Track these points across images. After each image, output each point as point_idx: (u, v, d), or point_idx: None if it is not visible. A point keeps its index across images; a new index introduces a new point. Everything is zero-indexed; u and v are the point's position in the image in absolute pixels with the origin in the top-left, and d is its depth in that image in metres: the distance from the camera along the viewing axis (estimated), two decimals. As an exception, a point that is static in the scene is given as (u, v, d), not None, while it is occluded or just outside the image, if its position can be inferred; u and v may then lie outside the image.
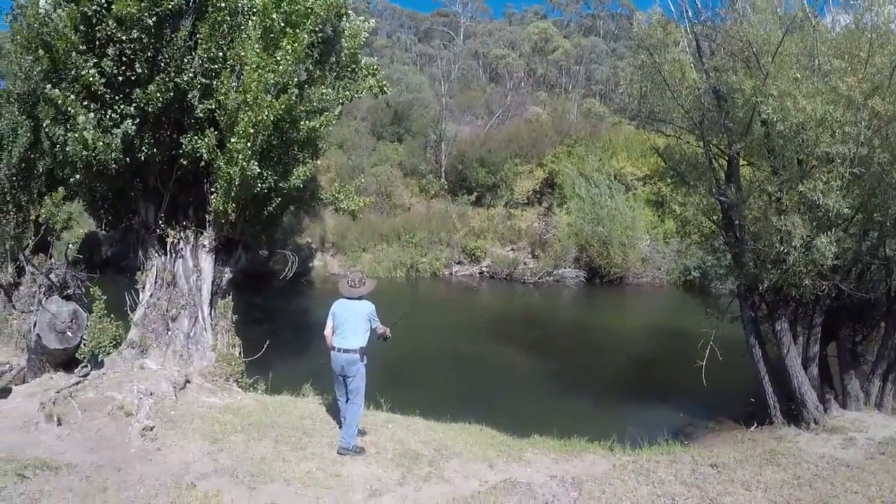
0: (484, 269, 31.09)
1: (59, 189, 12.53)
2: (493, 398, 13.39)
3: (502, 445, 8.97)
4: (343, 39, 12.74)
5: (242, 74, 10.11)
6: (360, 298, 8.16)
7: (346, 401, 8.23)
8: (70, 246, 13.97)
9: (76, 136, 9.83)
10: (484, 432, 9.61)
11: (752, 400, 11.34)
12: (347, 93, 13.01)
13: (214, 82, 10.29)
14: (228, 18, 10.55)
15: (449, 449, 8.48)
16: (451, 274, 31.17)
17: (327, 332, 8.26)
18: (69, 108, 9.84)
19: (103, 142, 9.84)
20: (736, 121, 10.09)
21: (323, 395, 10.80)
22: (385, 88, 13.97)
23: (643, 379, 15.74)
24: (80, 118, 9.70)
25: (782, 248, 9.44)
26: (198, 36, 10.48)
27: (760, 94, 9.07)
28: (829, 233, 8.93)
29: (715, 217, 11.24)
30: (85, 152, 9.88)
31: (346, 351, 7.95)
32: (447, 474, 7.71)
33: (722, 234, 11.18)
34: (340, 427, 8.39)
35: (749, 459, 8.22)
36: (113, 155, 10.00)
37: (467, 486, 7.41)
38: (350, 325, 8.01)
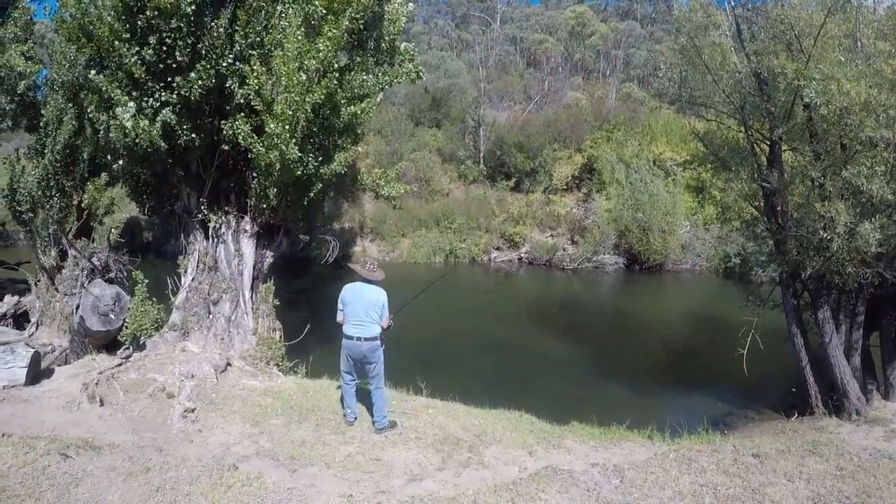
0: (523, 255, 30.98)
1: (102, 175, 12.76)
2: (531, 384, 13.40)
3: (542, 432, 8.95)
4: (384, 24, 12.76)
5: (281, 60, 10.18)
6: (375, 284, 8.18)
7: (354, 383, 8.48)
8: (112, 230, 14.20)
9: (118, 122, 10.03)
10: (523, 418, 9.59)
11: (794, 390, 11.18)
12: (387, 78, 13.06)
13: (253, 68, 10.39)
14: (266, 5, 10.64)
15: (489, 435, 8.51)
16: (489, 260, 31.11)
17: (339, 318, 8.29)
18: (112, 95, 10.04)
19: (144, 128, 10.01)
20: (778, 105, 9.93)
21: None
22: (420, 73, 13.99)
23: (682, 367, 15.62)
24: (119, 109, 9.90)
25: (825, 235, 9.29)
26: (237, 23, 10.60)
27: (803, 77, 8.90)
28: (872, 219, 8.77)
29: (756, 203, 11.08)
30: (126, 139, 10.08)
31: (368, 339, 8.05)
32: (487, 460, 7.75)
33: (764, 220, 11.01)
34: (343, 405, 8.69)
35: (791, 450, 8.12)
36: (154, 141, 10.18)
37: (507, 473, 7.42)
38: (366, 313, 8.03)
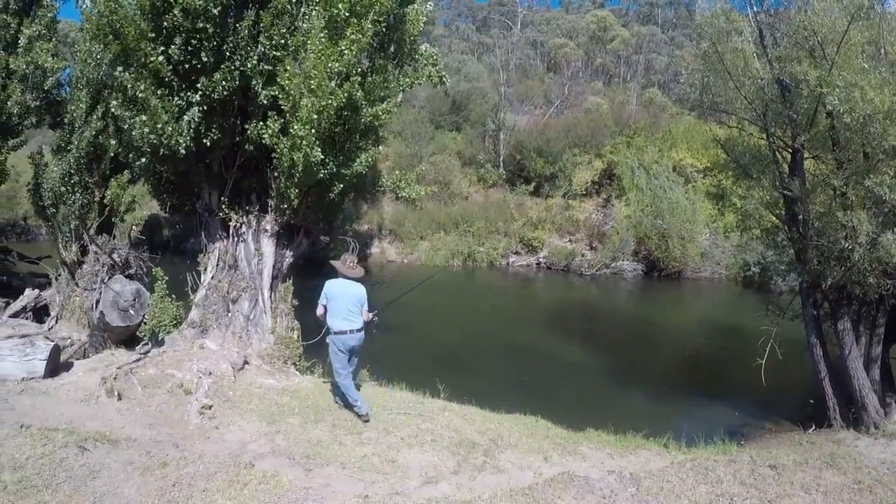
0: (541, 259, 30.93)
1: (124, 172, 12.90)
2: (547, 389, 13.38)
3: (557, 438, 8.92)
4: (406, 26, 12.81)
5: (306, 62, 10.23)
6: (356, 280, 8.66)
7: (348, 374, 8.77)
8: (133, 227, 14.33)
9: (144, 120, 10.13)
10: (539, 424, 9.55)
11: (811, 401, 11.08)
12: (408, 80, 13.10)
13: (278, 70, 10.44)
14: (291, 7, 10.70)
15: (504, 439, 8.49)
16: (508, 264, 31.11)
17: (320, 311, 8.72)
18: (138, 94, 10.14)
19: (171, 127, 10.10)
20: (800, 112, 9.87)
21: (380, 380, 10.93)
22: (444, 79, 14.02)
23: (699, 376, 15.52)
24: (145, 115, 10.01)
25: (847, 245, 9.20)
26: (261, 25, 10.66)
27: (826, 84, 8.83)
28: (895, 229, 8.62)
29: (778, 211, 10.99)
30: (153, 137, 10.17)
31: (355, 331, 8.56)
32: (502, 465, 7.73)
33: (785, 228, 10.94)
34: (351, 405, 8.77)
35: (808, 462, 8.05)
36: (180, 140, 10.27)
37: (522, 478, 7.39)
38: (352, 306, 8.52)
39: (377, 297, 11.00)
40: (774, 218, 11.20)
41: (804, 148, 10.24)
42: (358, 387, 9.14)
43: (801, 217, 10.28)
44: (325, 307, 8.63)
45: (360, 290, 8.61)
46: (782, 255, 11.79)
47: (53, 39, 13.00)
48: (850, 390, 10.08)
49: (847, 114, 8.78)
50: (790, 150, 10.48)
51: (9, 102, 12.20)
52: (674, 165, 31.16)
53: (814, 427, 10.36)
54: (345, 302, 8.49)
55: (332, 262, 9.16)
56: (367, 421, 8.51)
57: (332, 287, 8.66)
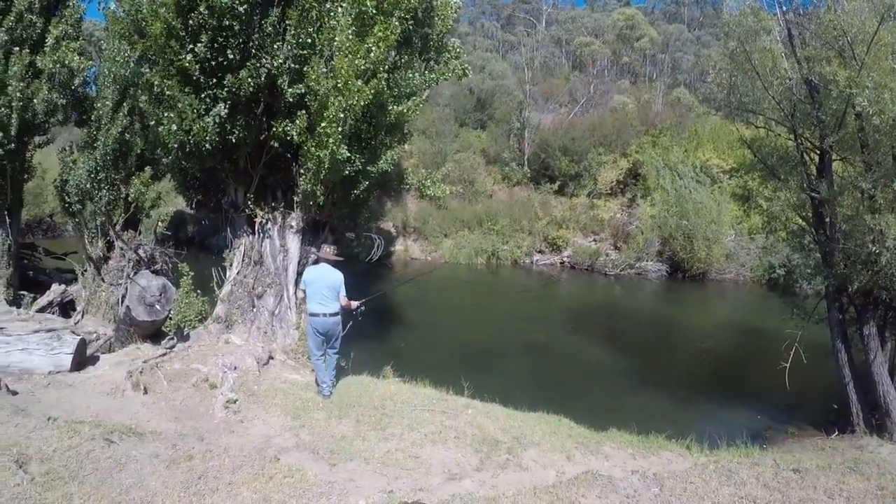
0: (565, 258, 30.77)
1: (146, 168, 13.04)
2: (570, 388, 13.35)
3: (580, 437, 8.91)
4: (434, 22, 12.82)
5: (333, 60, 10.27)
6: (334, 265, 9.25)
7: (324, 359, 9.37)
8: (159, 223, 14.49)
9: (171, 117, 10.24)
10: (562, 423, 9.52)
11: (835, 406, 10.95)
12: (433, 76, 13.10)
13: (304, 68, 10.49)
14: (317, 5, 10.75)
15: (527, 437, 8.49)
16: (531, 262, 31.00)
17: (300, 296, 9.56)
18: (166, 91, 10.25)
19: (197, 124, 10.21)
20: (829, 113, 9.76)
21: (404, 376, 10.95)
22: (467, 71, 14.03)
23: (722, 378, 15.40)
24: (172, 112, 10.12)
25: (874, 249, 9.09)
26: (287, 22, 10.73)
27: (855, 85, 8.73)
28: (924, 234, 8.52)
29: (804, 213, 10.87)
30: (180, 134, 10.28)
31: (331, 315, 9.13)
32: (525, 463, 7.74)
33: (811, 231, 10.81)
34: (318, 384, 9.43)
35: (832, 467, 7.97)
36: (206, 137, 10.36)
37: (545, 476, 7.40)
38: (328, 291, 9.08)
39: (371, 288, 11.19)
40: (801, 220, 11.07)
41: (832, 149, 10.12)
42: (330, 375, 9.49)
43: (828, 220, 10.18)
44: (304, 292, 9.28)
45: (336, 277, 9.14)
46: (808, 258, 11.64)
47: (80, 38, 13.12)
48: (875, 396, 9.96)
49: (876, 115, 8.68)
50: (818, 152, 10.36)
51: (35, 100, 12.34)
52: (699, 165, 30.85)
53: (836, 432, 10.26)
54: (320, 287, 9.06)
55: (314, 252, 10.05)
56: (327, 396, 9.18)
57: (309, 273, 9.32)
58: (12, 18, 12.28)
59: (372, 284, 21.22)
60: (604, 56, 57.09)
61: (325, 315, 9.07)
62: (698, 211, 27.83)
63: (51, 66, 12.23)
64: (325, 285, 9.07)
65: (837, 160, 10.53)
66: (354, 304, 9.53)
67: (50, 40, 12.46)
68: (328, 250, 9.51)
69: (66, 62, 12.23)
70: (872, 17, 9.11)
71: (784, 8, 10.77)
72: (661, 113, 37.91)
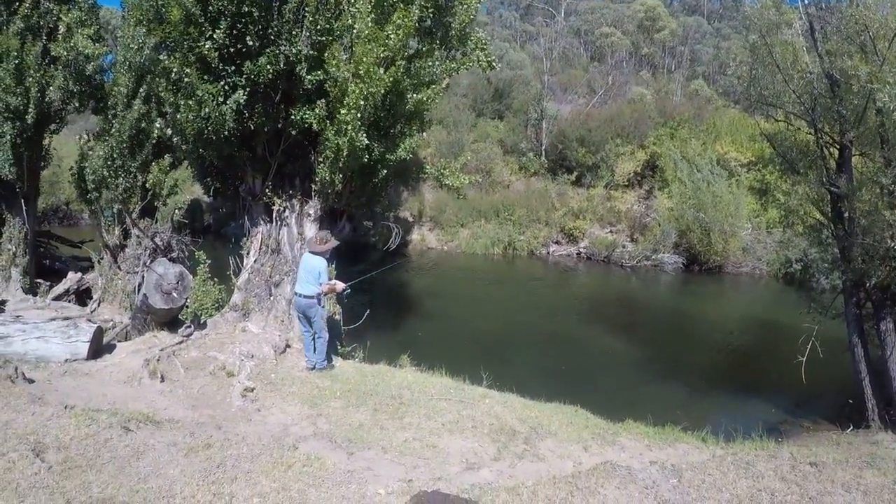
0: (581, 249, 30.67)
1: (166, 156, 13.10)
2: (586, 379, 13.39)
3: (597, 428, 8.94)
4: (456, 11, 12.78)
5: (353, 47, 10.29)
6: (320, 255, 9.80)
7: (312, 335, 10.03)
8: (176, 211, 14.54)
9: (189, 104, 10.30)
10: (578, 413, 9.57)
11: (850, 401, 10.92)
12: (454, 65, 13.07)
13: (324, 55, 10.52)
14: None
15: (544, 428, 8.53)
16: (548, 253, 30.91)
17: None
18: (184, 79, 10.31)
19: (215, 112, 10.27)
20: (850, 108, 9.70)
21: (420, 365, 11.04)
22: (493, 64, 14.02)
23: (738, 371, 15.36)
24: (190, 99, 10.18)
25: (893, 244, 9.06)
26: (306, 9, 10.72)
27: (876, 80, 8.68)
28: (942, 230, 8.48)
29: (823, 208, 10.82)
30: (198, 121, 10.34)
31: (304, 296, 9.79)
32: (542, 453, 7.77)
33: (830, 226, 10.76)
34: (307, 353, 10.15)
35: (849, 461, 7.94)
36: (225, 124, 10.42)
37: (563, 466, 7.44)
38: (306, 276, 9.80)
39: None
40: (819, 214, 11.03)
41: (852, 144, 10.08)
42: (325, 352, 10.22)
43: (846, 214, 10.14)
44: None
45: (317, 263, 9.73)
46: (826, 253, 11.60)
47: (94, 25, 13.08)
48: (890, 392, 9.95)
49: (897, 111, 8.63)
50: (838, 147, 10.32)
51: (51, 88, 12.38)
52: (717, 158, 30.62)
53: (851, 427, 10.23)
54: (302, 271, 9.90)
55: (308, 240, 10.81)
56: (310, 369, 9.93)
57: (302, 258, 10.20)
58: (28, 5, 12.27)
59: (391, 273, 21.21)
60: (623, 47, 56.68)
61: (300, 295, 9.82)
62: (716, 204, 27.64)
63: (65, 53, 12.22)
64: (306, 269, 9.82)
65: (857, 155, 10.47)
66: (341, 286, 10.13)
67: (62, 27, 12.46)
68: (315, 241, 10.14)
69: (81, 49, 12.22)
70: (894, 13, 9.05)
71: (806, 2, 10.74)
72: (679, 105, 37.64)
